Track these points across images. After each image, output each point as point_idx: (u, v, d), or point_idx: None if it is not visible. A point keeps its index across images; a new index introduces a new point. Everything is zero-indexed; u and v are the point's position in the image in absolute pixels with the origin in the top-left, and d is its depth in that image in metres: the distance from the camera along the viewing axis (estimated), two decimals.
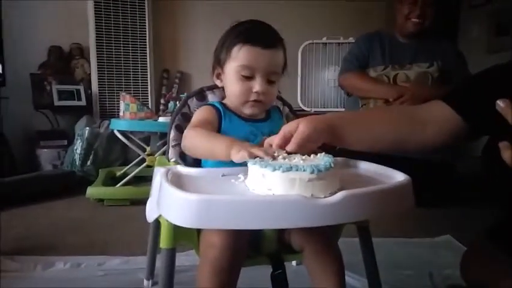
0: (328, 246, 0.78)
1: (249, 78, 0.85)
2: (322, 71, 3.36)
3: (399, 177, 0.72)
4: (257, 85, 0.85)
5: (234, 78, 0.86)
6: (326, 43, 3.32)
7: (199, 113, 0.90)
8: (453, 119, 0.90)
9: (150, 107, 3.17)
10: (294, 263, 1.34)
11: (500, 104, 0.55)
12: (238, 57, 0.85)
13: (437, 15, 2.26)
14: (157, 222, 0.94)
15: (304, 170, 0.59)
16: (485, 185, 1.06)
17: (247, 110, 0.89)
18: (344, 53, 2.87)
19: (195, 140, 0.81)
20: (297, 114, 1.08)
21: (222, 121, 0.88)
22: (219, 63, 0.90)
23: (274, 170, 0.60)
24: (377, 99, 2.27)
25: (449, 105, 0.91)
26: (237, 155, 0.68)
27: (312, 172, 0.59)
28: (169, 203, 0.60)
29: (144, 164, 2.38)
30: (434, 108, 0.94)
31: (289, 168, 0.60)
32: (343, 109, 2.77)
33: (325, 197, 0.58)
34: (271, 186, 0.61)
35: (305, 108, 3.30)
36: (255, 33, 0.86)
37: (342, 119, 0.89)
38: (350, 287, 1.20)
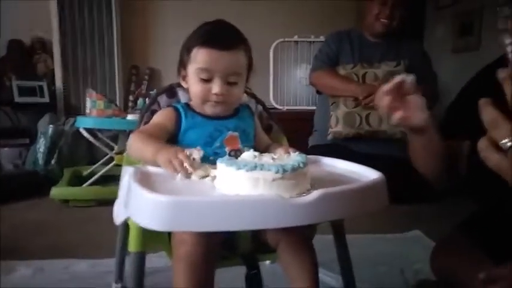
0: (302, 240, 0.78)
1: (207, 80, 0.86)
2: (294, 69, 3.37)
3: (373, 175, 0.72)
4: (215, 87, 0.85)
5: (194, 80, 0.87)
6: (297, 41, 3.33)
7: (155, 116, 0.92)
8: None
9: (118, 104, 3.08)
10: (267, 262, 1.33)
11: (500, 73, 0.55)
12: (196, 60, 0.86)
13: (405, 16, 2.31)
14: (125, 223, 0.91)
15: (269, 170, 0.58)
16: (461, 179, 1.09)
17: (208, 110, 0.89)
18: (315, 51, 2.89)
19: (132, 143, 0.84)
20: (271, 113, 1.07)
21: (182, 122, 0.88)
22: (183, 65, 0.90)
23: (239, 169, 0.59)
24: (347, 98, 2.30)
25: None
26: (162, 162, 0.72)
27: (277, 172, 0.58)
28: (139, 205, 0.57)
29: (113, 163, 2.30)
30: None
31: (254, 168, 0.59)
32: (314, 107, 2.78)
33: (291, 197, 0.57)
34: (235, 185, 0.60)
35: (277, 106, 3.30)
36: (213, 35, 0.86)
37: None
38: (324, 285, 1.20)
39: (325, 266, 1.20)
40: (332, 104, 2.36)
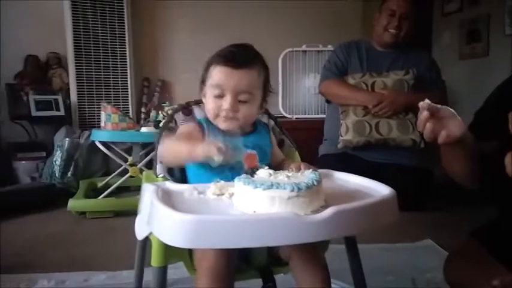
0: (313, 255, 0.80)
1: (220, 96, 0.90)
2: (303, 78, 3.40)
3: (383, 190, 0.75)
4: (225, 103, 0.89)
5: (209, 96, 0.92)
6: (306, 51, 3.37)
7: (183, 127, 0.96)
8: None
9: (131, 115, 3.14)
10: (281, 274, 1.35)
11: None
12: (211, 76, 0.91)
13: (413, 26, 2.35)
14: (144, 237, 0.95)
15: (284, 188, 0.62)
16: (480, 186, 1.10)
17: (220, 125, 0.93)
18: (323, 60, 2.92)
19: (166, 145, 0.88)
20: (282, 127, 1.10)
21: (206, 135, 0.91)
22: (203, 82, 0.95)
23: (256, 187, 0.63)
24: (356, 106, 2.33)
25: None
26: (205, 151, 0.75)
27: (292, 190, 0.61)
28: (163, 223, 0.61)
29: (127, 175, 2.35)
30: None
31: (270, 186, 0.62)
32: (323, 116, 2.81)
33: (305, 215, 0.60)
34: (253, 203, 0.63)
35: (286, 115, 3.34)
36: (228, 54, 0.91)
37: None
38: None
39: (337, 276, 1.22)
40: (342, 112, 2.39)
